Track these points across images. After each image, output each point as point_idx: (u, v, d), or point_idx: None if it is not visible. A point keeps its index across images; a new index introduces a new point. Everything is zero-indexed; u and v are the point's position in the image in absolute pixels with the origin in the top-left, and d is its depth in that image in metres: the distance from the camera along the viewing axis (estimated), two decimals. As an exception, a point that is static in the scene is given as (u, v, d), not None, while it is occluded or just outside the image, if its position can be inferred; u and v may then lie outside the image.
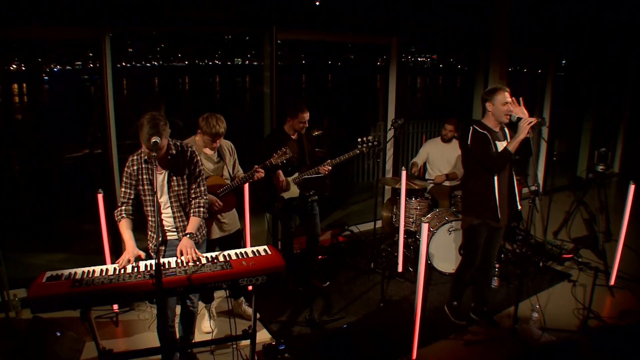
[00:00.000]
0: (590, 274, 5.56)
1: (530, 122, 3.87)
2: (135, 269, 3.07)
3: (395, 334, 4.38)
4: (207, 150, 4.17)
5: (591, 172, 5.93)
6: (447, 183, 6.34)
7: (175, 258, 3.23)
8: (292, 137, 5.01)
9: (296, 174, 4.97)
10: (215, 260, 3.21)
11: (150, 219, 3.51)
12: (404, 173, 5.38)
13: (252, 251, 3.37)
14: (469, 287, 4.74)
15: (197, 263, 3.15)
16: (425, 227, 3.73)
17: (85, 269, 3.06)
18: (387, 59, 6.67)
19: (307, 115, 4.90)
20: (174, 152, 3.36)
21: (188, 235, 3.35)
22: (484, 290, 4.65)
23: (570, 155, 9.86)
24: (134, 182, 3.38)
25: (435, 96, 38.19)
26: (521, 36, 7.24)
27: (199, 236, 3.59)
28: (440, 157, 6.39)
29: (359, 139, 4.97)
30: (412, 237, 6.03)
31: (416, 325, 3.96)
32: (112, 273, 3.01)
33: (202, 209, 3.49)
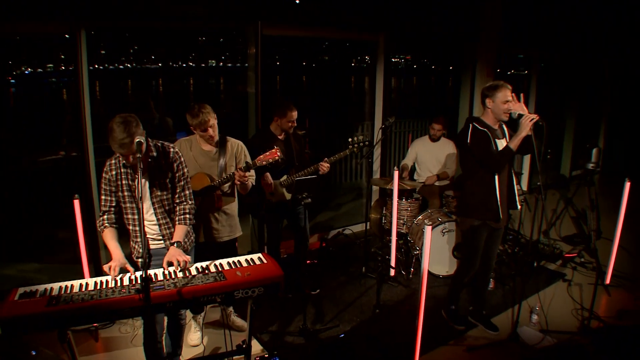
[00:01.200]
0: (584, 272, 5.46)
1: (533, 119, 3.70)
2: (119, 283, 2.77)
3: (394, 342, 4.16)
4: (206, 146, 3.88)
5: (581, 169, 5.83)
6: (437, 183, 6.17)
7: (162, 270, 2.94)
8: (279, 137, 4.74)
9: (285, 176, 4.71)
10: (207, 271, 2.93)
11: (131, 227, 3.20)
12: (396, 173, 5.17)
13: (246, 260, 3.10)
14: (464, 290, 4.56)
15: (188, 275, 2.87)
16: (428, 230, 3.52)
17: (63, 284, 2.75)
18: (372, 57, 6.44)
19: (295, 114, 4.65)
20: (154, 154, 3.07)
21: (175, 244, 3.07)
22: (483, 293, 4.47)
23: (553, 154, 9.81)
24: (113, 189, 3.09)
25: (412, 96, 38.30)
26: (508, 34, 7.12)
27: (188, 243, 3.31)
28: (429, 156, 6.21)
29: (350, 139, 4.75)
30: (403, 239, 5.84)
31: (418, 332, 3.74)
32: (92, 288, 2.71)
33: (188, 216, 3.21)
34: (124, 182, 3.07)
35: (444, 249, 5.33)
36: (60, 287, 2.70)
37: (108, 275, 2.86)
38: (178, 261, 2.95)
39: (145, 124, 2.97)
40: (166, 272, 2.91)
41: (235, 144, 4.04)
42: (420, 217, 5.62)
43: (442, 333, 4.32)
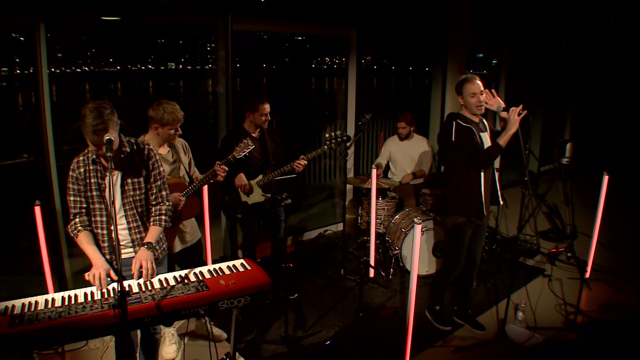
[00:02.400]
0: (563, 267, 5.43)
1: (521, 114, 3.60)
2: (89, 297, 2.48)
3: (381, 346, 3.99)
4: (161, 150, 3.57)
5: (555, 163, 5.80)
6: (412, 182, 6.04)
7: (136, 281, 2.66)
8: (253, 134, 4.51)
9: (260, 176, 4.48)
10: (187, 281, 2.67)
11: (99, 231, 2.85)
12: (374, 171, 5.00)
13: (228, 267, 2.86)
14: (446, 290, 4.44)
15: (166, 285, 2.60)
16: (418, 229, 3.35)
17: (26, 300, 2.44)
18: (344, 54, 6.25)
19: (268, 107, 4.42)
20: (127, 149, 2.78)
21: (146, 246, 2.77)
22: (468, 292, 4.35)
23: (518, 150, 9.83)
24: (82, 188, 2.77)
25: (377, 95, 38.48)
26: (478, 30, 7.08)
27: (159, 250, 3.02)
28: (403, 155, 6.08)
29: (327, 135, 4.56)
30: (380, 239, 5.68)
31: (408, 335, 3.58)
32: (60, 304, 2.41)
33: (164, 217, 2.92)
34: (92, 180, 2.76)
35: (423, 248, 5.19)
36: (24, 305, 2.39)
37: (92, 285, 2.57)
38: (142, 266, 2.67)
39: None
40: (140, 282, 2.64)
41: (181, 142, 3.82)
42: (397, 216, 5.47)
43: (428, 335, 4.17)
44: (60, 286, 4.33)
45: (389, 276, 5.23)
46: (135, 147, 2.83)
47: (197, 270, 2.81)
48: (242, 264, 2.89)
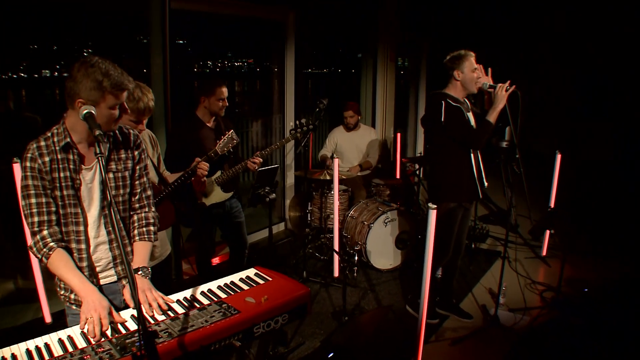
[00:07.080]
0: (514, 248, 5.30)
1: (509, 89, 3.32)
2: (70, 348, 1.66)
3: (382, 349, 3.48)
4: None
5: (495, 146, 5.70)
6: (360, 173, 5.61)
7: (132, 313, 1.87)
8: (208, 124, 3.76)
9: (218, 173, 3.73)
10: (200, 305, 1.92)
11: (75, 246, 1.93)
12: (336, 161, 4.45)
13: (242, 280, 2.15)
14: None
15: (174, 315, 1.84)
16: (433, 214, 2.87)
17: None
18: (281, 40, 5.58)
19: (225, 90, 3.68)
20: (110, 132, 1.95)
21: (141, 272, 1.97)
22: (452, 281, 3.96)
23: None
24: (48, 184, 1.84)
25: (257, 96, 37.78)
26: (405, 19, 6.85)
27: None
28: (350, 146, 5.64)
29: (291, 123, 3.98)
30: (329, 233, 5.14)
31: (421, 333, 3.11)
32: (30, 360, 1.57)
33: (152, 229, 2.10)
34: (61, 174, 1.85)
35: (387, 241, 4.75)
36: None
37: (91, 335, 1.69)
38: (151, 298, 1.87)
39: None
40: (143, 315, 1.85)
41: (148, 134, 2.98)
42: (353, 210, 4.97)
43: (416, 331, 3.72)
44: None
45: (353, 274, 4.71)
46: (117, 131, 2.00)
47: (203, 288, 2.06)
48: (256, 274, 2.20)
